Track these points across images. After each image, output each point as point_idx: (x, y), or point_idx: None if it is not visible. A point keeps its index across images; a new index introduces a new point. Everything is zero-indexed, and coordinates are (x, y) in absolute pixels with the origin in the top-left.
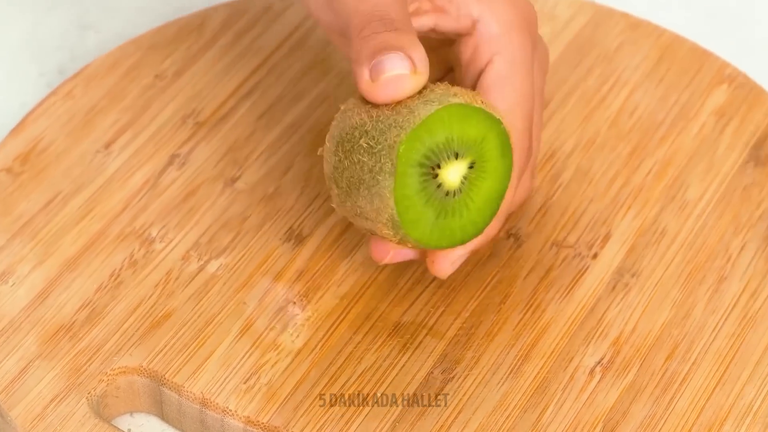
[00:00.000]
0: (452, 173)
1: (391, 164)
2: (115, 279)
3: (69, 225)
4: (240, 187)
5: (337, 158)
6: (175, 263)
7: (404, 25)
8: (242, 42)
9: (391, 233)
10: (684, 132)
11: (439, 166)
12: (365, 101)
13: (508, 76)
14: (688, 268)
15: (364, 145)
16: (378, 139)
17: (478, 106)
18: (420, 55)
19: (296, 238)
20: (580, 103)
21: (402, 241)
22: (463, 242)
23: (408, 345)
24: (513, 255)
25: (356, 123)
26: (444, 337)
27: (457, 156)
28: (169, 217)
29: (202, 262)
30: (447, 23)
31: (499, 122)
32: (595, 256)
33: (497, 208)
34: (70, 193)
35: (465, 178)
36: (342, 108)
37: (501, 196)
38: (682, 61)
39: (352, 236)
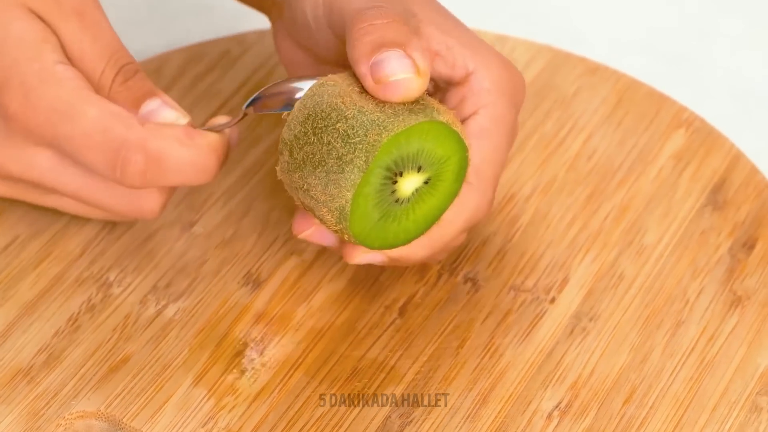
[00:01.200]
0: (408, 184)
1: (365, 161)
2: (73, 323)
3: (27, 269)
4: (198, 231)
5: (302, 129)
6: (133, 307)
7: (401, 17)
8: (200, 86)
9: (333, 221)
10: (642, 176)
11: (401, 174)
12: (350, 81)
13: (490, 130)
14: (645, 312)
15: (341, 130)
16: (357, 131)
17: (455, 129)
18: (419, 52)
19: (254, 282)
20: (539, 147)
21: (338, 231)
22: (392, 247)
23: (366, 389)
24: (471, 299)
25: (336, 103)
26: (402, 381)
27: (419, 169)
28: (126, 261)
29: (159, 307)
30: (442, 69)
31: (465, 149)
32: (553, 300)
33: (431, 225)
34: (28, 237)
35: (417, 190)
36: (321, 80)
37: (438, 216)
38: (640, 106)
39: (310, 280)
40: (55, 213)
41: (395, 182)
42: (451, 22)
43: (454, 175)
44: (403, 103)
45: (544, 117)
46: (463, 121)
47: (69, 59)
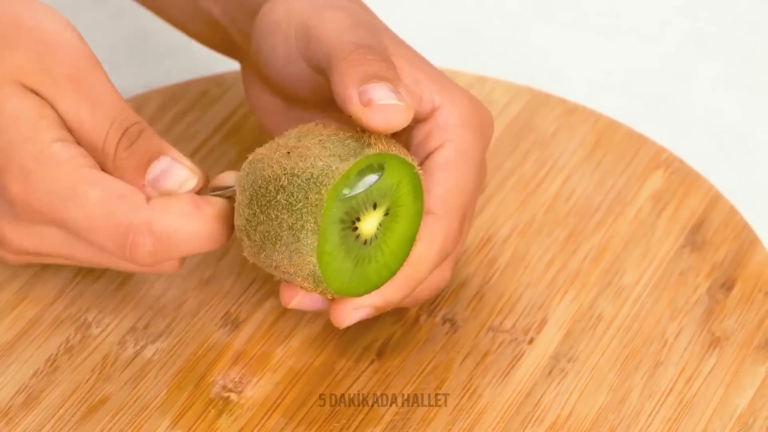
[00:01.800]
0: (369, 223)
1: (314, 222)
2: (52, 364)
3: (5, 311)
4: (176, 272)
5: (251, 211)
6: (112, 348)
7: (389, 59)
8: (178, 127)
9: (311, 286)
10: (620, 217)
11: (358, 219)
12: (275, 147)
13: (455, 161)
14: (624, 353)
15: (283, 201)
16: (297, 196)
17: (392, 153)
18: (405, 91)
19: (232, 323)
20: (517, 187)
21: (322, 293)
22: (378, 286)
23: (344, 431)
24: (449, 340)
25: (269, 176)
26: (380, 422)
27: (374, 206)
28: (105, 302)
29: (138, 348)
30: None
31: (411, 166)
32: (531, 341)
33: (409, 251)
34: (6, 278)
35: (380, 224)
36: (249, 158)
37: (413, 238)
38: (619, 147)
39: (288, 321)
40: None
41: (356, 228)
42: (420, 58)
43: (411, 195)
44: (334, 148)
45: (523, 158)
46: (428, 155)
47: (70, 130)
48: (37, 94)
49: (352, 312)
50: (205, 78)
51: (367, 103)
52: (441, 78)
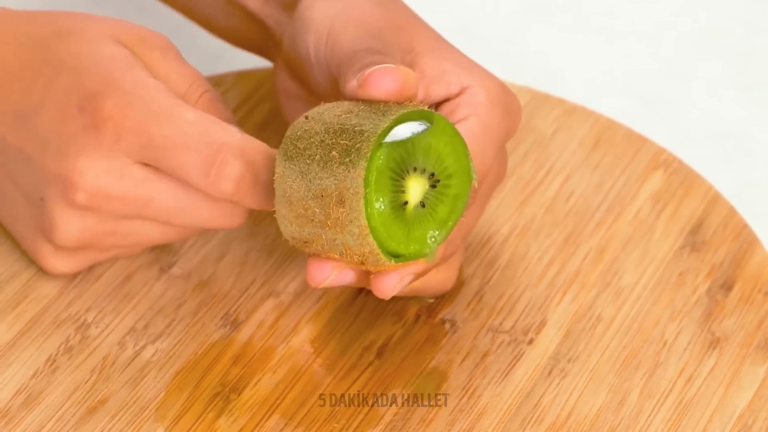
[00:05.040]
0: (418, 186)
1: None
2: (51, 364)
3: (5, 311)
4: (176, 272)
5: (312, 174)
6: (111, 349)
7: (390, 56)
8: None
9: (358, 249)
10: (620, 218)
11: (407, 175)
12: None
13: (478, 136)
14: (624, 354)
15: (336, 156)
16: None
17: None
18: (408, 70)
19: (232, 323)
20: (516, 188)
21: (364, 259)
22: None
23: (344, 431)
24: (449, 340)
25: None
26: (380, 423)
27: (423, 169)
28: (104, 302)
29: (137, 348)
30: (439, 91)
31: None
32: (531, 341)
33: (460, 212)
34: (6, 279)
35: (430, 185)
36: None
37: (464, 198)
38: (618, 147)
39: (287, 322)
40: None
41: (404, 190)
42: (449, 49)
43: (458, 154)
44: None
45: (522, 158)
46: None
47: None
48: (129, 49)
49: (398, 281)
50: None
51: (361, 81)
52: (471, 64)
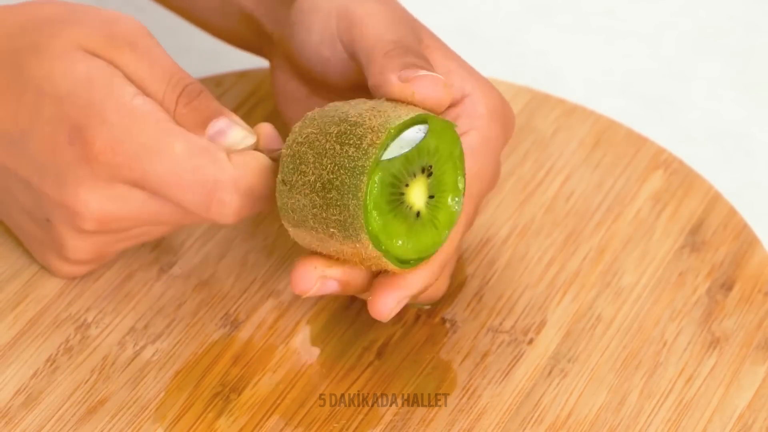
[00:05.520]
0: (419, 189)
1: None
2: (51, 364)
3: (5, 310)
4: (176, 272)
5: (319, 162)
6: (111, 349)
7: (425, 56)
8: None
9: (370, 245)
10: (620, 218)
11: (407, 185)
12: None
13: (479, 149)
14: (624, 354)
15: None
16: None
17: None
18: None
19: (232, 323)
20: (516, 188)
21: (367, 259)
22: (429, 253)
23: (344, 431)
24: (449, 340)
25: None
26: (380, 423)
27: (423, 170)
28: (104, 302)
29: (137, 348)
30: None
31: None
32: (531, 341)
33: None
34: (6, 278)
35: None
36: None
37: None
38: (618, 147)
39: (287, 322)
40: (31, 255)
41: (402, 193)
42: (452, 52)
43: (455, 161)
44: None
45: (522, 158)
46: None
47: None
48: (99, 57)
49: (395, 305)
50: (204, 78)
51: (406, 80)
52: (473, 72)
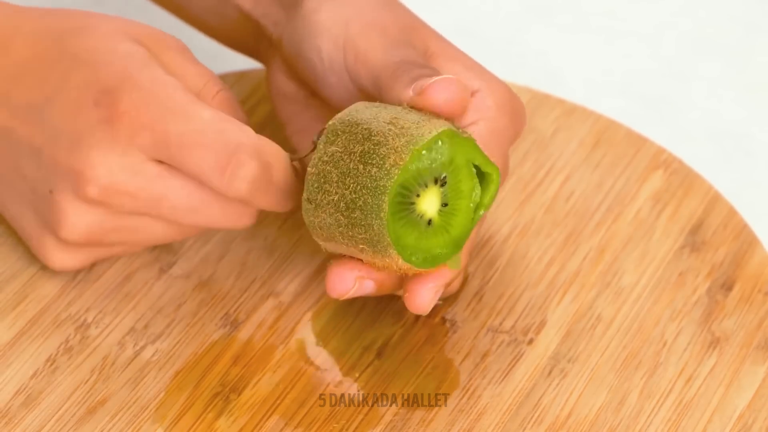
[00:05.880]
0: (432, 199)
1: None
2: (51, 364)
3: (5, 310)
4: (176, 273)
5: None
6: (111, 349)
7: (432, 68)
8: None
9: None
10: (620, 218)
11: (418, 195)
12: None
13: (486, 140)
14: (623, 354)
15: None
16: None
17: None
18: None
19: (232, 323)
20: (516, 188)
21: (388, 262)
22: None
23: (344, 431)
24: (449, 340)
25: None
26: (380, 423)
27: (436, 181)
28: (104, 302)
29: (137, 348)
30: None
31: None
32: (531, 341)
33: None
34: (6, 278)
35: (443, 203)
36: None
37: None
38: (618, 147)
39: (288, 322)
40: (32, 255)
41: (414, 203)
42: (459, 53)
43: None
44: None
45: (522, 158)
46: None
47: None
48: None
49: (433, 295)
50: None
51: (420, 92)
52: (480, 69)
